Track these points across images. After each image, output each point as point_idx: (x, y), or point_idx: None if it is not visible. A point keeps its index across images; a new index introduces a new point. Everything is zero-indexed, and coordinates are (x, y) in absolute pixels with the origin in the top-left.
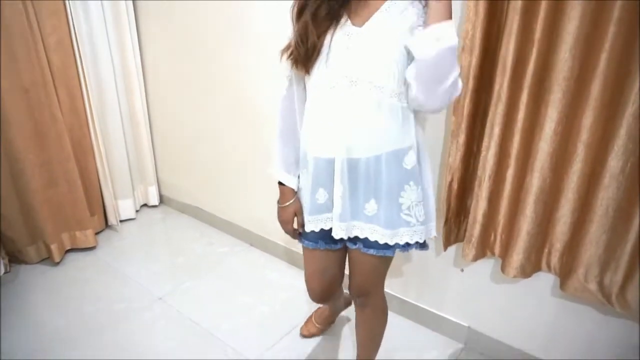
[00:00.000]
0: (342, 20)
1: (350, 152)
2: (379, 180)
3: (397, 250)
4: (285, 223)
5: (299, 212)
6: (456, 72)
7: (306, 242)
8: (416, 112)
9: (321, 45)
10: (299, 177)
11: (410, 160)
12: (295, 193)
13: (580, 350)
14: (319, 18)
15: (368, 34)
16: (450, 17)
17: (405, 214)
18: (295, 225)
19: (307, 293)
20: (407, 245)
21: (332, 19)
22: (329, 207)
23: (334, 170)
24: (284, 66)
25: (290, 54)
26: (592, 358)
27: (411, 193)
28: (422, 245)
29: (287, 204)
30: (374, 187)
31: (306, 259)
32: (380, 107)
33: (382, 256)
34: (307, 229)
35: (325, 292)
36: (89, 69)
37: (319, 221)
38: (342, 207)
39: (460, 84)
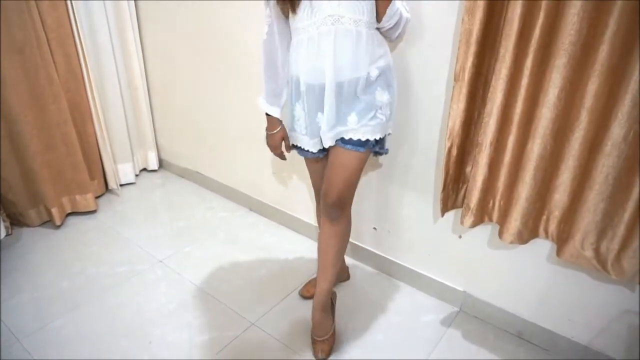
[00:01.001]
0: None
1: (338, 76)
2: (355, 95)
3: (373, 150)
4: (274, 148)
5: (285, 137)
6: (402, 24)
7: (303, 152)
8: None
9: None
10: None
11: (374, 73)
12: (280, 122)
13: (570, 314)
14: None
15: None
16: None
17: (380, 113)
18: (283, 149)
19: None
20: (377, 144)
21: None
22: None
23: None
24: (265, 12)
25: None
26: (582, 321)
27: (382, 95)
28: (383, 146)
29: (275, 131)
30: (354, 101)
31: (311, 173)
32: (360, 36)
33: (357, 153)
34: (313, 149)
35: (342, 197)
36: (85, 30)
37: (318, 143)
38: (328, 119)
39: (406, 23)
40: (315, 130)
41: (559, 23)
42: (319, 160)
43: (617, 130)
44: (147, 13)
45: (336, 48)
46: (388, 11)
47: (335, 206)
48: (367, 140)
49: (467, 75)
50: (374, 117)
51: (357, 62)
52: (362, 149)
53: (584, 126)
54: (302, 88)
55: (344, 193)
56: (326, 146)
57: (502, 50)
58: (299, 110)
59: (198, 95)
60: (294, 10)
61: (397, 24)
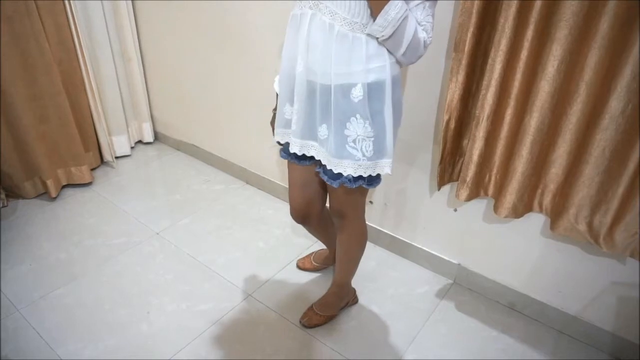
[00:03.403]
0: None
1: (309, 74)
2: (329, 107)
3: (346, 185)
4: (272, 127)
5: None
6: (407, 41)
7: (282, 153)
8: (384, 50)
9: None
10: None
11: (357, 94)
12: None
13: (561, 285)
14: None
15: None
16: None
17: (351, 146)
18: None
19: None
20: (355, 180)
21: None
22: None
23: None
24: None
25: None
26: (572, 293)
27: (357, 126)
28: (372, 181)
29: (275, 111)
30: (326, 112)
31: (288, 173)
32: (332, 32)
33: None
34: (275, 139)
35: (304, 209)
36: (76, 1)
37: (285, 134)
38: (297, 123)
39: (422, 45)
40: (281, 120)
41: None
42: (299, 165)
43: (616, 103)
44: None
45: (309, 39)
46: (379, 19)
47: (335, 215)
48: (341, 174)
49: (467, 47)
50: (345, 150)
51: (330, 66)
52: (334, 183)
53: (582, 99)
54: (280, 74)
55: (343, 211)
56: (291, 150)
57: (501, 21)
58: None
59: (193, 67)
60: None
61: (395, 39)
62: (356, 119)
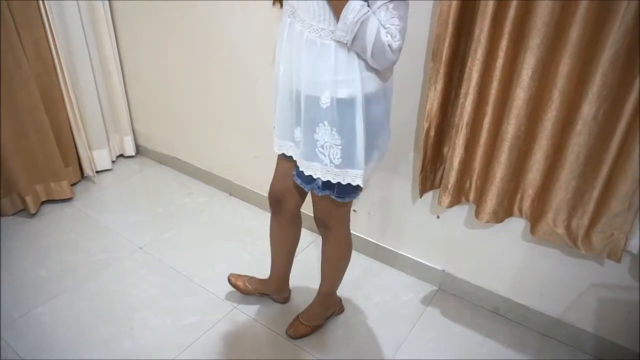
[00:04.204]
0: None
1: (287, 78)
2: (301, 111)
3: (315, 192)
4: None
5: None
6: (370, 45)
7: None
8: (362, 62)
9: None
10: None
11: (325, 100)
12: None
13: (543, 289)
14: None
15: None
16: None
17: (320, 151)
18: None
19: None
20: (323, 188)
21: None
22: None
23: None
24: None
25: None
26: (553, 296)
27: (324, 133)
28: (342, 194)
29: None
30: (299, 116)
31: (276, 163)
32: (302, 39)
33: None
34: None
35: (280, 193)
36: (53, 12)
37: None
38: (277, 123)
39: (387, 49)
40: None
41: (532, 4)
42: (285, 160)
43: (588, 109)
44: None
45: (287, 45)
46: (339, 24)
47: (318, 225)
48: (312, 178)
49: (444, 57)
50: (314, 154)
51: (300, 72)
52: (306, 187)
53: (556, 106)
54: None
55: (324, 220)
56: (275, 150)
57: (477, 31)
58: None
59: (175, 79)
60: (280, 3)
61: (358, 43)
62: (324, 125)
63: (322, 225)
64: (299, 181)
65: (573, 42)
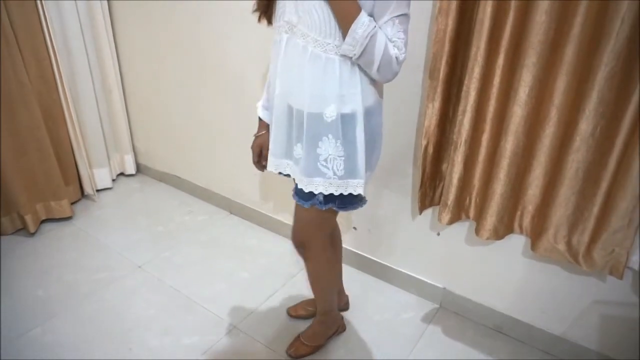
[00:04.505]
0: None
1: (285, 96)
2: (303, 127)
3: (317, 207)
4: (252, 152)
5: (265, 146)
6: (378, 58)
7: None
8: (363, 76)
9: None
10: None
11: (330, 114)
12: (267, 127)
13: (545, 306)
14: None
15: None
16: (358, 11)
17: (322, 165)
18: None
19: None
20: (326, 202)
21: None
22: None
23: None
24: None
25: (256, 9)
26: (556, 313)
27: (329, 145)
28: (344, 204)
29: (257, 135)
30: (301, 132)
31: None
32: (305, 54)
33: (304, 208)
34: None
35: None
36: (56, 31)
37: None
38: (274, 142)
39: (394, 61)
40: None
41: (528, 23)
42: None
43: (585, 126)
44: (121, 13)
45: (285, 62)
46: (347, 38)
47: (298, 246)
48: (313, 194)
49: (441, 75)
50: (316, 169)
51: (303, 87)
52: (306, 204)
53: (553, 123)
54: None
55: (302, 238)
56: (271, 169)
57: (474, 49)
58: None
59: (175, 98)
60: (264, 10)
61: (366, 57)
62: (328, 138)
63: (298, 242)
64: (296, 199)
65: (569, 60)
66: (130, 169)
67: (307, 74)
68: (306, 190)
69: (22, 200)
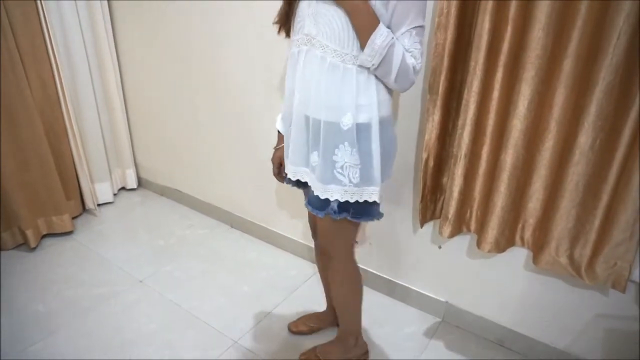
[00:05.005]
0: None
1: (302, 106)
2: (319, 135)
3: (331, 216)
4: (272, 164)
5: (284, 158)
6: (395, 68)
7: (286, 179)
8: (379, 86)
9: (292, 12)
10: None
11: (347, 122)
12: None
13: (548, 319)
14: None
15: None
16: (377, 22)
17: (338, 172)
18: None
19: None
20: (340, 211)
21: None
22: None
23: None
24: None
25: (277, 22)
26: (559, 327)
27: (344, 154)
28: (358, 215)
29: (277, 147)
30: (317, 140)
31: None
32: (324, 64)
33: (323, 218)
34: (286, 171)
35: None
36: (60, 49)
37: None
38: (292, 151)
39: (411, 70)
40: (287, 152)
41: (525, 38)
42: (305, 191)
43: (584, 139)
44: (123, 28)
45: (303, 73)
46: (366, 49)
47: (324, 254)
48: (329, 203)
49: (441, 88)
50: (332, 176)
51: (321, 97)
52: (320, 213)
53: (553, 136)
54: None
55: (326, 247)
56: (290, 177)
57: (472, 64)
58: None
59: (176, 112)
60: (284, 23)
61: (385, 66)
62: (344, 146)
63: (322, 250)
64: (310, 208)
65: (567, 74)
66: (132, 183)
67: (325, 84)
68: (322, 197)
69: (23, 215)
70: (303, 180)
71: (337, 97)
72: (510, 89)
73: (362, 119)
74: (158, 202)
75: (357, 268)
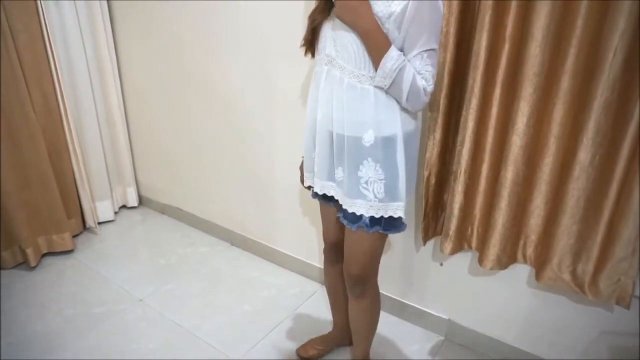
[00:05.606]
0: (332, 13)
1: (326, 122)
2: (343, 151)
3: (363, 230)
4: (300, 172)
5: None
6: (406, 89)
7: (312, 193)
8: (394, 103)
9: (316, 35)
10: None
11: (369, 138)
12: None
13: (552, 337)
14: (315, 13)
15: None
16: (388, 45)
17: (363, 187)
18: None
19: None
20: (372, 224)
21: (322, 13)
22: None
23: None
24: None
25: (302, 45)
26: (563, 344)
27: (368, 169)
28: (389, 227)
29: (303, 157)
30: (341, 156)
31: (320, 211)
32: (342, 84)
33: (359, 232)
34: (305, 183)
35: (334, 243)
36: (63, 68)
37: (310, 178)
38: (318, 166)
39: (422, 92)
40: (310, 165)
41: (522, 55)
42: (326, 205)
43: (584, 155)
44: (126, 50)
45: (325, 92)
46: (379, 70)
47: (356, 283)
48: (361, 216)
49: (441, 106)
50: (358, 191)
51: (343, 114)
52: (353, 227)
53: (552, 152)
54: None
55: (363, 270)
56: (317, 191)
57: (470, 82)
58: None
59: (178, 130)
60: (309, 46)
61: (395, 88)
62: (368, 162)
63: (362, 280)
64: (345, 222)
65: (564, 91)
66: (133, 201)
67: (346, 101)
68: (350, 210)
69: (24, 234)
70: (329, 195)
71: (358, 113)
72: (509, 105)
73: (386, 133)
74: (159, 220)
75: (379, 292)
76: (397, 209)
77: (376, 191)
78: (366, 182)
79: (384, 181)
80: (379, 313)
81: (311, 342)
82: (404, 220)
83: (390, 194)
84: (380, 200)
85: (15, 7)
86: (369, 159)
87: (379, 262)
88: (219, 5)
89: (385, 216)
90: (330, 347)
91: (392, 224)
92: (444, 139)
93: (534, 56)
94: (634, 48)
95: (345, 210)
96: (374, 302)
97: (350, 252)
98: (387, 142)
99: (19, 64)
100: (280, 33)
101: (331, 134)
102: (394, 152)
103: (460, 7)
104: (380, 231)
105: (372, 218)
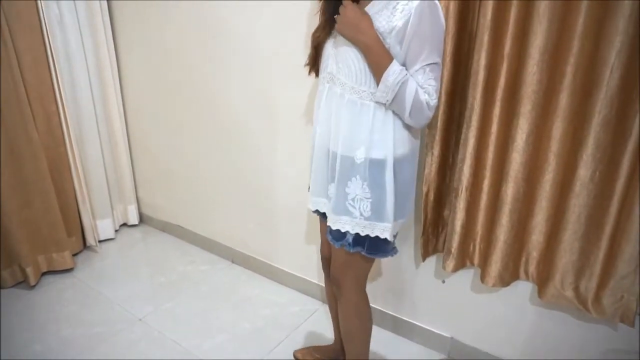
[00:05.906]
0: (334, 31)
1: (322, 139)
2: (336, 168)
3: (345, 249)
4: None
5: None
6: (409, 104)
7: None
8: (398, 123)
9: (319, 56)
10: None
11: (360, 156)
12: None
13: (556, 355)
14: (317, 31)
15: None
16: (389, 60)
17: (350, 204)
18: None
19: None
20: (354, 245)
21: (324, 31)
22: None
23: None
24: None
25: (307, 64)
26: None
27: (356, 186)
28: (372, 250)
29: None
30: (334, 172)
31: (319, 226)
32: (343, 100)
33: (338, 249)
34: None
35: (328, 259)
36: (66, 87)
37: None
38: (313, 181)
39: (425, 107)
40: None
41: (520, 73)
42: (323, 221)
43: (584, 171)
44: (128, 65)
45: (325, 110)
46: (380, 85)
47: (334, 283)
48: (345, 234)
49: (439, 123)
50: (344, 207)
51: (339, 130)
52: (337, 244)
53: (552, 168)
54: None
55: (337, 277)
56: (309, 207)
57: (470, 99)
58: None
59: (179, 149)
60: (312, 65)
61: (397, 102)
62: (356, 179)
63: (334, 280)
64: (329, 238)
65: (563, 108)
66: (134, 219)
67: (343, 118)
68: (334, 228)
69: (23, 252)
70: (322, 211)
71: (353, 131)
72: (509, 123)
73: (376, 154)
74: (159, 238)
75: (367, 302)
76: (383, 230)
77: (362, 209)
78: (353, 199)
79: (370, 200)
80: (366, 324)
81: (310, 349)
82: (391, 242)
83: (377, 214)
84: (367, 219)
85: (19, 27)
86: (357, 176)
87: (361, 278)
88: (223, 29)
89: (372, 235)
90: (326, 357)
91: (377, 246)
92: (443, 155)
93: (532, 74)
94: (631, 66)
95: (330, 228)
96: (357, 311)
97: (333, 257)
98: (375, 164)
99: (23, 83)
100: (283, 51)
101: (328, 150)
102: (382, 174)
103: (457, 26)
104: (363, 253)
105: (356, 237)
